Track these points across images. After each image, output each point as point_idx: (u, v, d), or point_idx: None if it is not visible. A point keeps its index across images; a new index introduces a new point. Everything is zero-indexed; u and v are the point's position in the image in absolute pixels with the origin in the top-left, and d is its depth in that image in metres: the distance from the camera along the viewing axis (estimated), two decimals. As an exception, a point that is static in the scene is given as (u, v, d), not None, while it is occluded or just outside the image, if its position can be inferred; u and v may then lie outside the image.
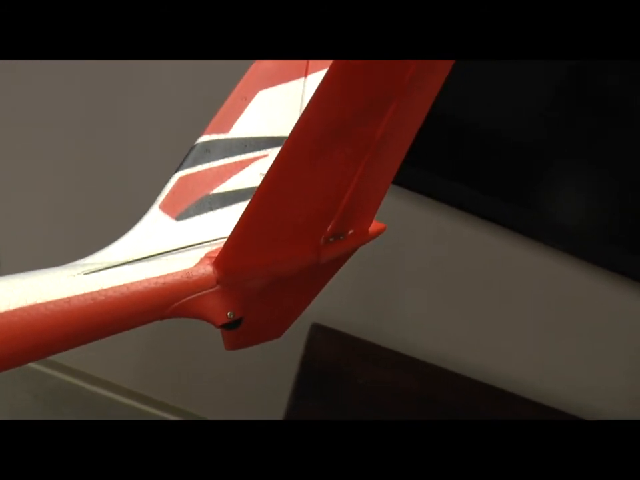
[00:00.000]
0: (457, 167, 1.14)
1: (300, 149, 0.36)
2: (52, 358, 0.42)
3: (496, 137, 1.14)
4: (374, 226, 0.47)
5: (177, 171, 0.48)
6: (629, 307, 1.30)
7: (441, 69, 0.37)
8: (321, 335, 1.23)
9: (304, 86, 0.53)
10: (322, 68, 0.55)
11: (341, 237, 0.44)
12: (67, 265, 0.43)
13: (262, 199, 0.38)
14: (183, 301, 0.42)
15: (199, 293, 0.42)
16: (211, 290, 0.42)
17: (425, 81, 0.36)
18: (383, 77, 0.34)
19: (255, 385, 1.42)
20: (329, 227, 0.43)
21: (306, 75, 0.54)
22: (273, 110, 0.51)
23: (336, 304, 1.27)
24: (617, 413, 1.38)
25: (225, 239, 0.45)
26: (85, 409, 1.42)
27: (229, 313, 0.43)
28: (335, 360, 1.21)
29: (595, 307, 1.32)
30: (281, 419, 1.04)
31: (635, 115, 1.11)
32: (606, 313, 1.32)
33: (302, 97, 0.53)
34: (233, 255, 0.42)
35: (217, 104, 0.52)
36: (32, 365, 1.34)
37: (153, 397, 1.47)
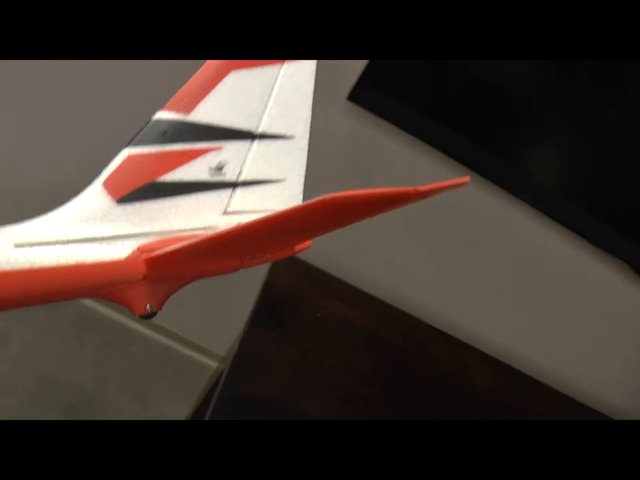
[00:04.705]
0: (439, 105, 1.10)
1: (243, 237, 0.43)
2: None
3: (484, 86, 1.10)
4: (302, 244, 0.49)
5: (127, 145, 0.47)
6: (588, 267, 1.31)
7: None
8: (285, 262, 1.23)
9: (278, 74, 0.51)
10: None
11: (268, 255, 0.46)
12: None
13: (210, 244, 0.43)
14: (108, 289, 0.44)
15: (125, 284, 0.44)
16: (136, 283, 0.44)
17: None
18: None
19: (216, 307, 1.45)
20: (257, 253, 0.45)
21: (284, 60, 0.52)
22: (239, 97, 0.49)
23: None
24: (554, 370, 1.43)
25: (160, 234, 0.46)
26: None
27: (147, 306, 0.45)
28: (295, 289, 1.22)
29: (557, 264, 1.32)
30: (237, 341, 1.07)
31: (622, 85, 1.07)
32: (569, 270, 1.32)
33: (273, 86, 0.51)
34: (168, 262, 0.43)
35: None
36: None
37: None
